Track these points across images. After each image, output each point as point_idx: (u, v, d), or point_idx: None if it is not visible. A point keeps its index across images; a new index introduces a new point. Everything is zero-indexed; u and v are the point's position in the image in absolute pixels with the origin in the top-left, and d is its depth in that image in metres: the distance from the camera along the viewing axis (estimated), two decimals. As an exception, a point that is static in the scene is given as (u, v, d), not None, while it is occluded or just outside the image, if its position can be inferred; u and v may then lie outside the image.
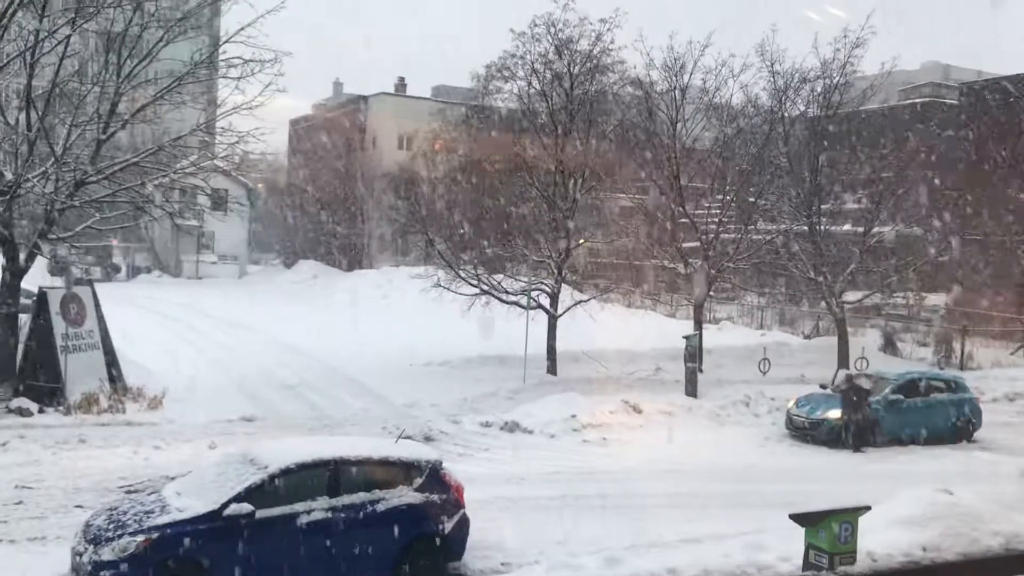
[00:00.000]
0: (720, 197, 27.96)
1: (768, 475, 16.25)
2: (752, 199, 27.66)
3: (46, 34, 17.94)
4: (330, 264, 56.64)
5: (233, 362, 24.70)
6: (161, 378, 20.03)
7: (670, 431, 18.89)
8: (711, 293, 28.15)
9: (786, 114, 26.92)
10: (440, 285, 24.39)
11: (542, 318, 24.57)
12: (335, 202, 56.99)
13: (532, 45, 24.82)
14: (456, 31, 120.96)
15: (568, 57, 25.01)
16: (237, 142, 20.51)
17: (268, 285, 52.35)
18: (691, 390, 22.28)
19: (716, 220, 27.55)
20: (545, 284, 24.93)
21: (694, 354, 22.99)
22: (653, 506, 13.69)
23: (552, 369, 24.68)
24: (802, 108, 27.12)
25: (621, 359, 26.24)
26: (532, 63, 25.18)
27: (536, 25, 24.63)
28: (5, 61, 17.95)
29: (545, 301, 24.71)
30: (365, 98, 63.05)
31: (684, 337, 23.43)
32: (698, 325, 26.66)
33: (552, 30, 24.63)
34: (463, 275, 24.28)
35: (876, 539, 9.44)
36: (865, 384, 18.98)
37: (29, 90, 18.05)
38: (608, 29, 24.69)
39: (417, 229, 26.65)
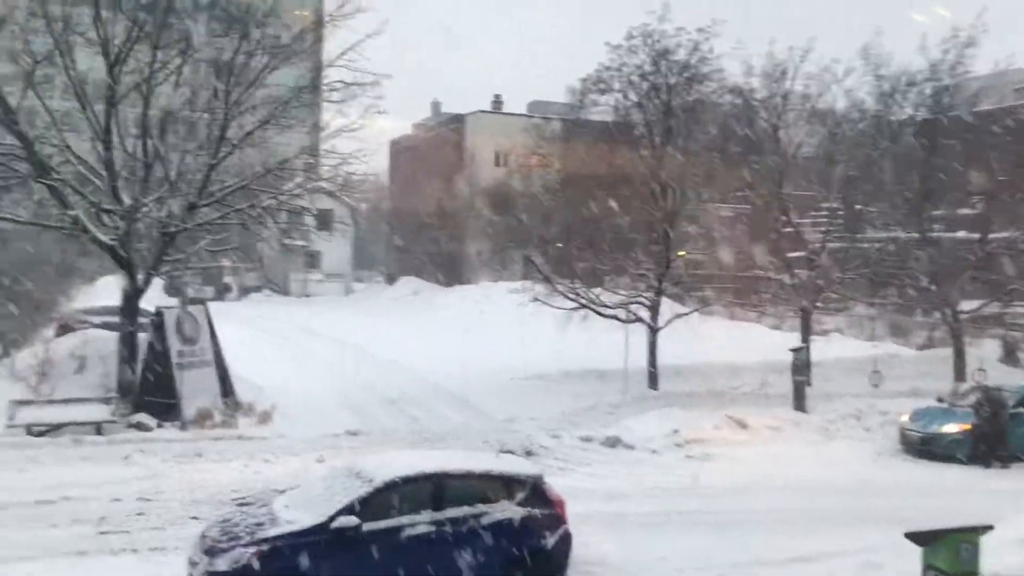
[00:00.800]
0: (826, 205, 27.18)
1: (881, 491, 15.64)
2: (859, 206, 26.78)
3: (160, 65, 18.82)
4: (430, 280, 57.42)
5: (338, 377, 25.27)
6: (271, 394, 20.62)
7: (777, 446, 18.40)
8: (818, 304, 27.33)
9: (893, 118, 26.02)
10: (538, 299, 24.41)
11: (642, 331, 24.32)
12: (434, 219, 57.81)
13: (628, 57, 24.74)
14: (552, 46, 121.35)
15: (665, 68, 24.81)
16: (340, 163, 21.09)
17: (371, 302, 53.40)
18: (799, 404, 21.66)
19: (822, 229, 26.78)
20: (644, 297, 24.69)
21: (802, 367, 22.36)
22: (760, 523, 13.34)
23: (653, 383, 24.38)
24: (910, 111, 26.17)
25: (725, 373, 25.74)
26: (628, 75, 25.07)
27: (632, 37, 24.54)
28: (124, 92, 18.86)
29: (645, 314, 24.46)
30: (462, 117, 63.86)
31: (791, 350, 22.82)
32: (805, 337, 25.93)
33: (648, 41, 24.49)
34: (561, 289, 24.26)
35: (1002, 561, 8.94)
36: (1003, 396, 18.10)
37: (145, 119, 18.94)
38: (706, 38, 24.43)
39: (514, 244, 26.79)
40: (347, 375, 25.58)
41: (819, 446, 18.89)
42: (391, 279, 63.02)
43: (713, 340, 27.11)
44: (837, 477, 16.49)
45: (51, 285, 25.98)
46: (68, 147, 18.73)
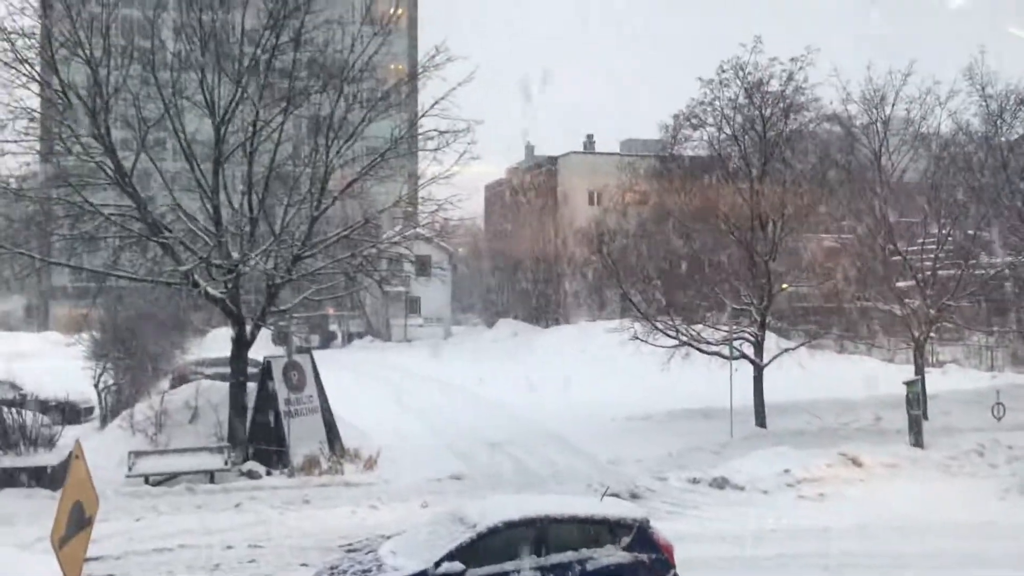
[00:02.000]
0: (935, 231, 26.15)
1: (1009, 532, 14.73)
2: (971, 231, 25.67)
3: (263, 124, 19.56)
4: (529, 321, 57.52)
5: (441, 421, 25.44)
6: (375, 439, 20.88)
7: (894, 484, 17.59)
8: (932, 334, 26.18)
9: (1003, 139, 24.97)
10: (637, 338, 24.13)
11: (747, 368, 23.73)
12: (531, 260, 58.09)
13: (721, 91, 24.49)
14: (643, 83, 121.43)
15: (759, 99, 24.44)
16: (437, 210, 21.41)
17: (471, 344, 53.75)
18: (916, 440, 20.70)
19: (932, 256, 25.75)
20: (748, 332, 24.12)
21: (917, 401, 21.40)
22: (878, 567, 12.73)
23: (761, 421, 23.70)
24: (1021, 131, 25.07)
25: (836, 409, 24.85)
26: (722, 108, 24.80)
27: (724, 71, 24.30)
28: (230, 151, 19.65)
29: (749, 350, 23.87)
30: (555, 158, 64.24)
31: (904, 383, 21.87)
32: (919, 369, 24.83)
33: (741, 74, 24.20)
34: (660, 326, 23.93)
35: None
36: None
37: (250, 175, 19.68)
38: (800, 68, 24.01)
39: (611, 282, 26.60)
40: (450, 418, 25.73)
41: (939, 484, 17.97)
42: (490, 322, 63.40)
43: (822, 375, 26.24)
44: (960, 517, 15.64)
45: (166, 339, 27.03)
46: (179, 206, 19.57)
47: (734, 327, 24.13)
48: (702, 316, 24.91)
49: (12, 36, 17.19)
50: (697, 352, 23.88)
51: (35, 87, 17.95)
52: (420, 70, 20.97)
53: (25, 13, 17.39)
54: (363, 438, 20.96)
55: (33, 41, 17.75)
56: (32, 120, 17.98)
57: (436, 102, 20.05)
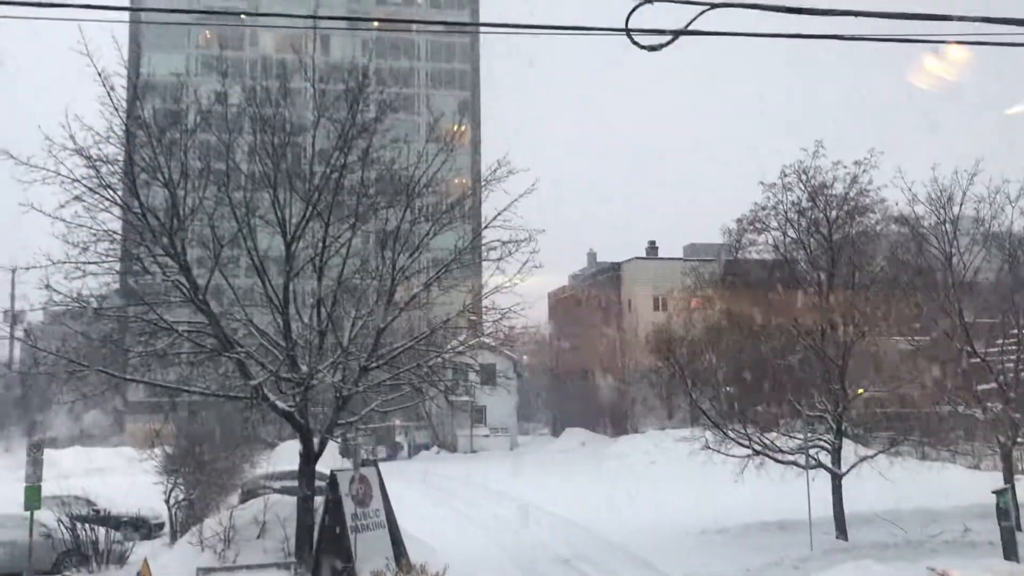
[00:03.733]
0: (1015, 331, 25.28)
1: None
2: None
3: (332, 240, 20.07)
4: (596, 430, 56.75)
5: (508, 535, 24.91)
6: (442, 554, 20.47)
7: (991, 602, 16.49)
8: (1020, 439, 25.00)
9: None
10: (709, 447, 23.52)
11: (824, 477, 22.87)
12: (596, 368, 57.69)
13: (784, 195, 24.49)
14: (705, 189, 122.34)
15: (823, 202, 24.35)
16: (501, 319, 21.47)
17: (538, 455, 53.08)
18: (1010, 553, 19.49)
19: (1013, 357, 24.83)
20: (824, 440, 23.35)
21: (1008, 510, 20.25)
22: None
23: (841, 533, 22.68)
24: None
25: (920, 519, 23.71)
26: (785, 212, 24.73)
27: (786, 175, 24.34)
28: (300, 267, 20.14)
29: (826, 459, 23.06)
30: (618, 264, 64.52)
31: (994, 492, 20.76)
32: (1009, 476, 23.64)
33: (803, 178, 24.21)
34: (732, 435, 23.32)
35: None
36: None
37: (319, 290, 20.07)
38: (863, 170, 23.96)
39: (680, 390, 26.19)
40: (517, 532, 25.19)
41: (1041, 601, 16.82)
42: (557, 431, 62.69)
43: (904, 483, 25.15)
44: (1069, 638, 14.55)
45: (235, 453, 27.27)
46: (251, 321, 19.98)
47: (809, 435, 23.41)
48: (775, 424, 24.25)
49: (97, 163, 18.09)
50: (772, 461, 23.16)
51: (116, 211, 18.74)
52: (483, 183, 21.41)
53: (110, 141, 18.32)
54: (430, 553, 20.57)
55: (116, 167, 18.64)
56: (113, 242, 18.72)
57: (498, 213, 20.40)
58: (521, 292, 20.98)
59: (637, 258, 63.76)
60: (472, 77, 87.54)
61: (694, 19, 8.46)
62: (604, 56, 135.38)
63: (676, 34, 8.54)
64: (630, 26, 8.28)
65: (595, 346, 58.60)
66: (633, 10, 8.25)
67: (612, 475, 37.23)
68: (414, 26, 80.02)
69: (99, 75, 17.88)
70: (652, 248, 65.62)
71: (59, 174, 17.50)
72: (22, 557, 19.30)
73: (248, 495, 26.36)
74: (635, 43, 8.45)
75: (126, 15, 45.84)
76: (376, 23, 74.04)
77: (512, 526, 26.45)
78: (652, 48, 8.55)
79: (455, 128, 24.55)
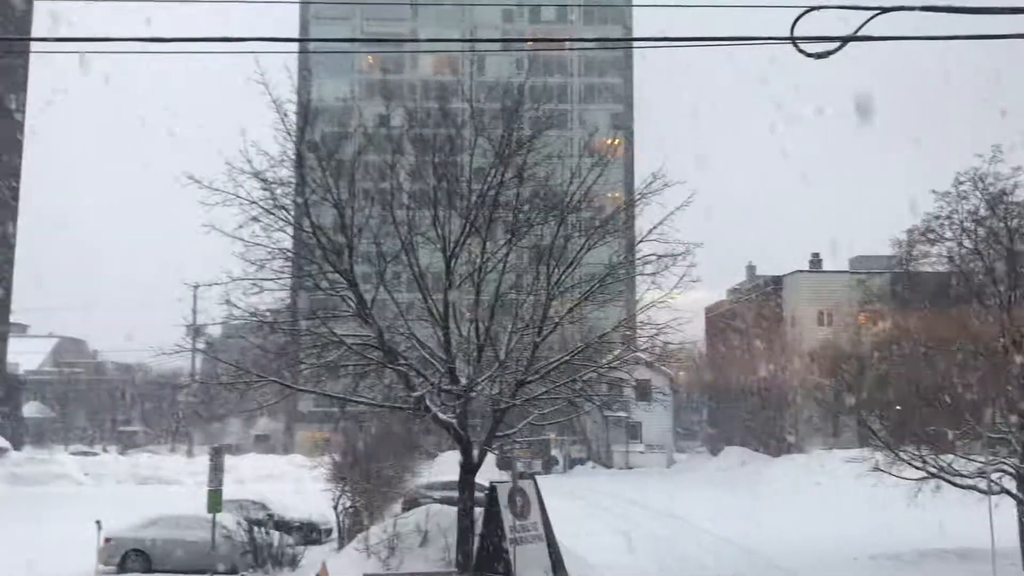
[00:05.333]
0: None
1: None
2: None
3: (489, 255, 20.47)
4: (756, 449, 55.10)
5: (665, 553, 24.51)
6: (599, 569, 20.42)
7: None
8: None
9: None
10: (879, 469, 22.39)
11: (1008, 503, 21.32)
12: (757, 385, 56.06)
13: (959, 203, 23.13)
14: (871, 198, 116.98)
15: (1003, 211, 22.85)
16: (656, 334, 21.25)
17: (695, 473, 52.05)
18: None
19: None
20: (1007, 464, 21.78)
21: None
22: None
23: (1029, 565, 21.08)
24: None
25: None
26: (961, 222, 23.36)
27: (961, 182, 23.00)
28: (459, 282, 20.64)
29: (1010, 484, 21.50)
30: (779, 278, 62.60)
31: None
32: None
33: (980, 185, 22.81)
34: (904, 457, 22.11)
35: None
36: None
37: (477, 304, 20.51)
38: (1048, 175, 22.33)
39: (848, 409, 25.11)
40: (675, 551, 24.76)
41: None
42: (715, 449, 61.29)
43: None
44: None
45: (398, 462, 28.13)
46: (413, 334, 20.63)
47: (990, 458, 21.90)
48: (952, 446, 22.82)
49: (272, 185, 19.21)
50: (949, 485, 21.81)
51: (290, 230, 19.83)
52: (638, 197, 21.31)
53: (283, 164, 19.43)
54: (587, 568, 20.55)
55: (289, 189, 19.75)
56: (287, 259, 19.81)
57: (654, 227, 20.23)
58: (677, 307, 20.72)
59: (799, 271, 61.67)
60: (625, 90, 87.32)
61: (864, 24, 8.18)
62: (762, 64, 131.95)
63: (845, 40, 8.27)
64: (795, 34, 8.09)
65: (755, 363, 56.96)
66: (799, 17, 8.05)
67: (774, 495, 36.03)
68: (567, 42, 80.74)
69: (274, 103, 19.05)
70: (815, 261, 63.29)
71: (238, 196, 18.69)
72: (205, 556, 20.59)
73: (410, 504, 27.14)
74: (801, 51, 8.24)
75: (295, 46, 48.46)
76: (529, 42, 75.17)
77: (669, 544, 26.03)
78: (819, 55, 8.31)
79: (609, 142, 24.52)
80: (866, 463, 22.85)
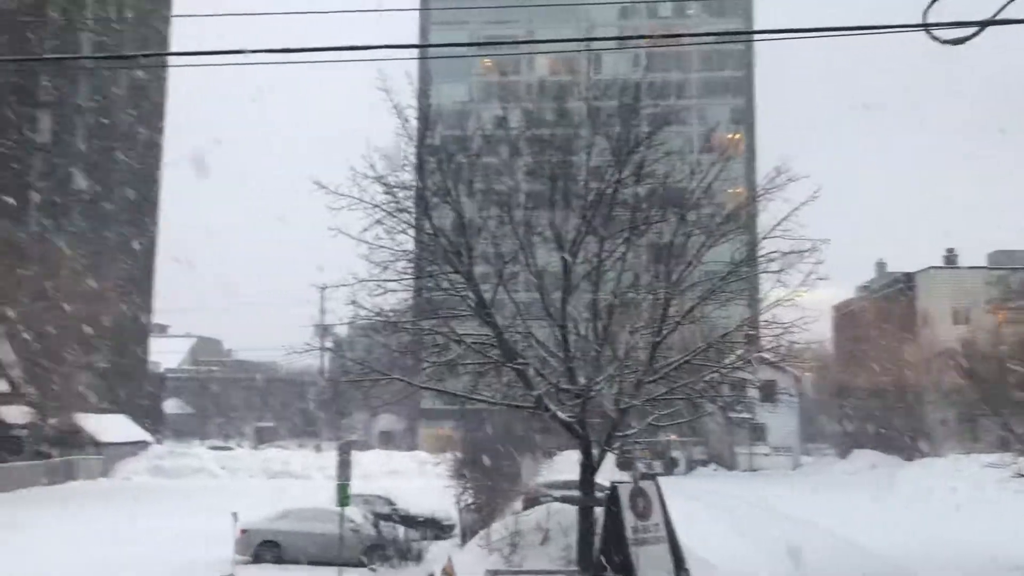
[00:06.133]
0: None
1: None
2: None
3: (607, 254, 20.40)
4: (888, 453, 52.95)
5: (790, 558, 23.83)
6: (722, 573, 20.05)
7: None
8: None
9: None
10: (1022, 475, 21.20)
11: None
12: (888, 387, 53.86)
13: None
14: (1010, 189, 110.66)
15: None
16: (782, 333, 20.72)
17: (822, 476, 50.45)
18: None
19: None
20: None
21: None
22: None
23: None
24: None
25: None
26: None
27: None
28: (576, 282, 20.65)
29: None
30: (911, 275, 60.08)
31: None
32: None
33: None
34: (1053, 462, 20.89)
35: None
36: None
37: (595, 304, 20.46)
38: None
39: (987, 411, 23.85)
40: (803, 555, 24.04)
41: None
42: (843, 452, 59.25)
43: None
44: None
45: (518, 460, 28.35)
46: (531, 334, 20.76)
47: None
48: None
49: (394, 189, 19.70)
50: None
51: (412, 232, 20.29)
52: (760, 192, 20.81)
53: (404, 168, 19.91)
54: (710, 571, 20.22)
55: (410, 193, 20.20)
56: (409, 261, 20.28)
57: (778, 223, 19.70)
58: (803, 305, 20.12)
59: (933, 267, 59.00)
60: (746, 83, 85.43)
61: (1003, 8, 7.76)
62: (892, 52, 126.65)
63: (982, 25, 7.87)
64: (928, 20, 7.75)
65: (886, 363, 54.71)
66: (933, 2, 7.70)
67: (907, 500, 34.55)
68: (686, 37, 79.54)
69: (395, 108, 19.52)
70: (950, 256, 60.41)
71: (362, 200, 19.24)
72: (333, 549, 21.27)
73: (530, 502, 27.28)
74: (934, 38, 7.88)
75: (415, 52, 49.50)
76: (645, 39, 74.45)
77: (799, 549, 25.30)
78: (954, 42, 7.93)
79: (730, 137, 24.05)
80: (1009, 468, 21.66)
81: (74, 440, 50.05)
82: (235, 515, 21.55)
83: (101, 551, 24.24)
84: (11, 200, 55.77)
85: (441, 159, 20.27)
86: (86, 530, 28.05)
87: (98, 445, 52.06)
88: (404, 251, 20.07)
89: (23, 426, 47.05)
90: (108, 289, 55.55)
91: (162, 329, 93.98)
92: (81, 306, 48.69)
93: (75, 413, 49.57)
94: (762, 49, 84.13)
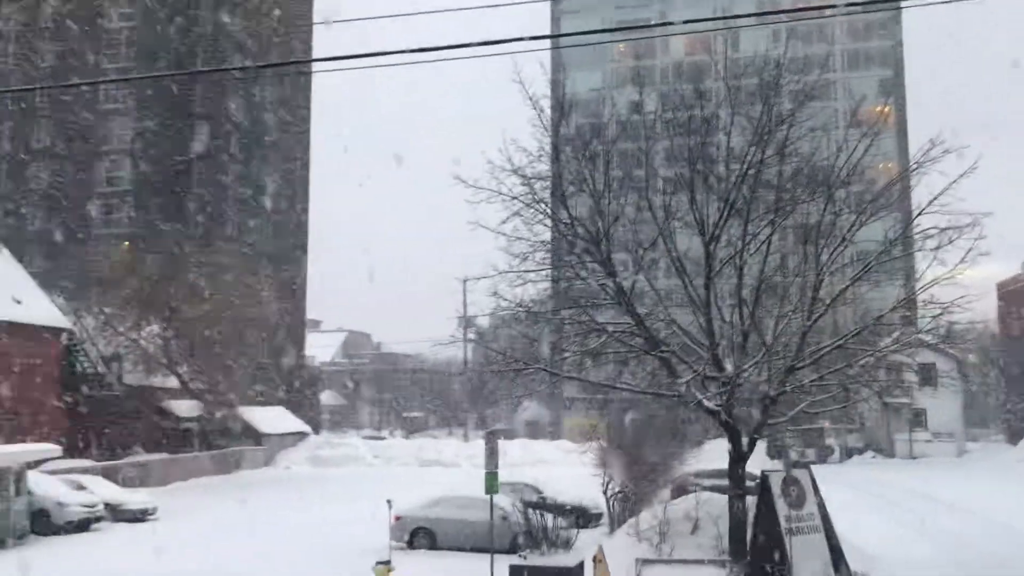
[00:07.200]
0: None
1: None
2: None
3: (751, 237, 19.85)
4: (1068, 439, 49.47)
5: (961, 550, 22.63)
6: (885, 564, 19.27)
7: None
8: None
9: None
10: None
11: None
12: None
13: None
14: None
15: None
16: (940, 314, 19.68)
17: (991, 463, 47.65)
18: None
19: None
20: None
21: None
22: None
23: None
24: None
25: None
26: None
27: None
28: (719, 267, 20.21)
29: None
30: (1088, 247, 55.56)
31: None
32: None
33: None
34: None
35: None
36: None
37: (740, 289, 19.97)
38: None
39: None
40: (972, 548, 22.79)
41: None
42: (1014, 439, 55.71)
43: None
44: None
45: (665, 449, 28.04)
46: (674, 321, 20.48)
47: None
48: None
49: (531, 180, 19.81)
50: None
51: (548, 222, 20.37)
52: (914, 166, 19.77)
53: (540, 159, 19.99)
54: (871, 562, 19.47)
55: (547, 183, 20.27)
56: (547, 251, 20.37)
57: (934, 198, 18.66)
58: (965, 283, 19.02)
59: (1114, 238, 54.46)
60: (895, 53, 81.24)
61: None
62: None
63: None
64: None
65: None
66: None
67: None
68: (828, 9, 76.36)
69: (530, 99, 19.62)
70: None
71: (500, 193, 19.47)
72: (483, 536, 21.65)
73: (679, 491, 26.96)
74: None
75: (548, 43, 49.56)
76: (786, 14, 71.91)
77: (964, 540, 23.99)
78: None
79: (878, 111, 22.94)
80: None
81: (238, 432, 52.95)
82: (390, 502, 22.24)
83: (270, 532, 25.78)
84: (176, 208, 59.57)
85: (576, 147, 20.23)
86: (254, 516, 29.71)
87: (260, 436, 54.86)
88: (542, 242, 20.18)
89: (193, 419, 50.21)
90: (266, 289, 58.48)
91: (315, 324, 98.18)
92: (242, 306, 51.43)
93: (239, 407, 52.46)
94: (911, 15, 79.77)
